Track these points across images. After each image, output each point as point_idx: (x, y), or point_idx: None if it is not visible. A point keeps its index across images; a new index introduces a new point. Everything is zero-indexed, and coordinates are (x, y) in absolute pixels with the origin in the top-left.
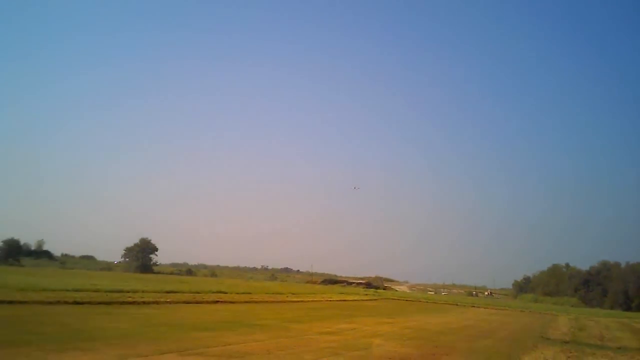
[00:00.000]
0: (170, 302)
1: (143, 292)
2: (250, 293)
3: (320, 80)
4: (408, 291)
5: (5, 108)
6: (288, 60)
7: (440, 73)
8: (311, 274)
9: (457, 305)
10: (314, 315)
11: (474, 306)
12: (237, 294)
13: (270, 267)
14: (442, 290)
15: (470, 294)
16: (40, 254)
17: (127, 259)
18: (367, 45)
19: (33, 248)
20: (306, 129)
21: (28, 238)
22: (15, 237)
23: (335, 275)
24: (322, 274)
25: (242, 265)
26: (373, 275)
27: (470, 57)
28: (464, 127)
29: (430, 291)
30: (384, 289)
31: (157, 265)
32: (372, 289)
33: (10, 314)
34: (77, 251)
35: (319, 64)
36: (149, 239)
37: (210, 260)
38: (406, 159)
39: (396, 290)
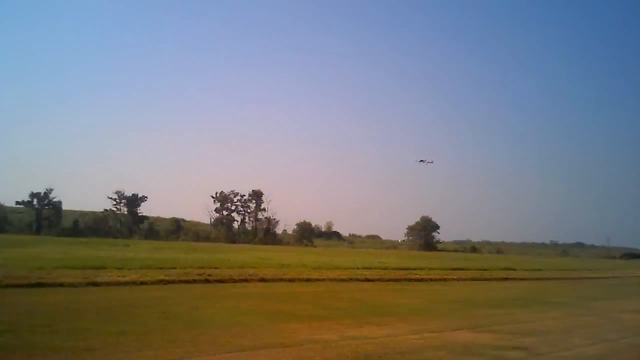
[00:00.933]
0: (456, 279)
1: (429, 269)
2: (540, 270)
3: None
4: None
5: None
6: None
7: None
8: (608, 249)
9: None
10: (616, 292)
11: None
12: (526, 270)
13: (560, 242)
14: None
15: None
16: (330, 235)
17: (410, 238)
18: None
19: (323, 229)
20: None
21: (318, 221)
22: (307, 220)
23: (637, 249)
24: (621, 249)
25: (528, 241)
26: None
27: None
28: None
29: None
30: None
31: (440, 243)
32: None
33: (309, 291)
34: (363, 231)
35: None
36: (430, 217)
37: (495, 237)
38: None
39: None
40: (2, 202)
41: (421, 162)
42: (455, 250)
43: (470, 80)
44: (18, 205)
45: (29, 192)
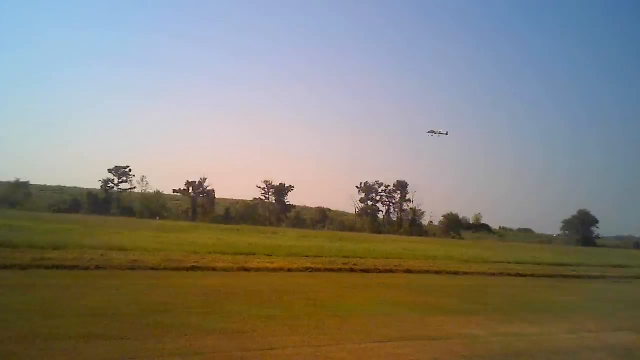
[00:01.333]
0: (617, 277)
1: (588, 266)
2: None
3: None
4: None
5: None
6: None
7: None
8: None
9: None
10: None
11: None
12: None
13: None
14: None
15: None
16: (479, 228)
17: (566, 232)
18: None
19: (471, 222)
20: None
21: (466, 212)
22: (454, 212)
23: None
24: None
25: None
26: None
27: None
28: None
29: None
30: None
31: (600, 238)
32: None
33: (457, 284)
34: (514, 224)
35: None
36: (588, 210)
37: None
38: None
39: None
40: (161, 191)
41: (432, 134)
42: (617, 247)
43: None
44: (175, 194)
45: (185, 181)
